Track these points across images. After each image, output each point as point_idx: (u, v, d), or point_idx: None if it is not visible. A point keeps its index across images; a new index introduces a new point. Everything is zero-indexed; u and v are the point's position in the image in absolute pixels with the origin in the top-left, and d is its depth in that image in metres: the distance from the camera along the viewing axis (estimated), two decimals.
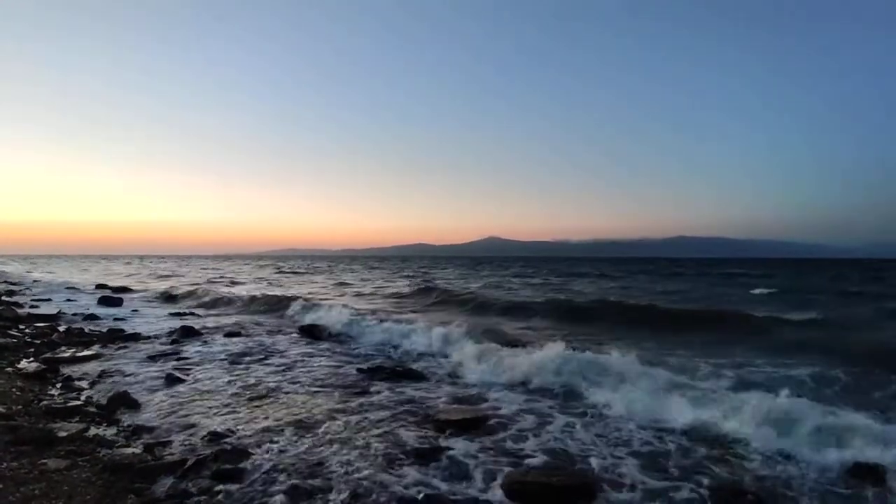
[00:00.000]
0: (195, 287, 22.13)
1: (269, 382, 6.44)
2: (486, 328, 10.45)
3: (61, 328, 10.37)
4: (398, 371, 6.95)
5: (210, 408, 5.29)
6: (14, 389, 5.63)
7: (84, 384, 6.18)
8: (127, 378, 6.54)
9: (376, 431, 4.66)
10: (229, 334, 10.37)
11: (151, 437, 4.37)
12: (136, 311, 14.94)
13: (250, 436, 4.45)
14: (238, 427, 4.66)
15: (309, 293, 21.03)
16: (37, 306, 15.12)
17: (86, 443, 4.15)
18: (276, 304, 15.59)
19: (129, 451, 4.03)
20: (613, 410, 5.16)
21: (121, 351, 8.41)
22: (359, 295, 22.21)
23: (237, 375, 6.82)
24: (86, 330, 10.35)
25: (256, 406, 5.39)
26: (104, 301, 16.45)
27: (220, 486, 3.47)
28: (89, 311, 13.67)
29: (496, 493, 3.47)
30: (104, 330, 10.48)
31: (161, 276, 35.08)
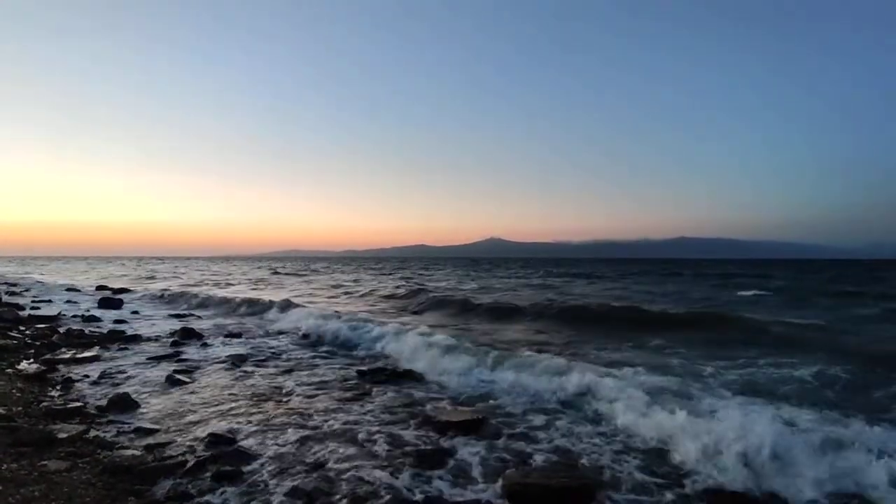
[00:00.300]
0: (185, 289, 22.03)
1: (269, 384, 6.45)
2: (461, 331, 10.60)
3: (62, 329, 10.37)
4: (398, 373, 6.95)
5: (210, 409, 5.29)
6: (14, 391, 5.63)
7: (84, 385, 6.18)
8: (127, 379, 6.54)
9: (377, 433, 4.66)
10: (229, 336, 10.38)
11: (152, 439, 4.37)
12: (136, 312, 14.94)
13: (251, 437, 4.45)
14: (238, 428, 4.66)
15: (296, 295, 20.93)
16: (37, 307, 15.13)
17: (86, 444, 4.15)
18: (257, 307, 15.49)
19: (130, 452, 4.02)
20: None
21: (121, 352, 8.41)
22: (347, 296, 22.09)
23: (237, 377, 6.83)
24: (86, 331, 10.35)
25: (257, 408, 5.38)
26: (104, 302, 16.45)
27: (221, 488, 3.47)
28: (89, 313, 13.68)
29: (497, 494, 3.47)
30: (104, 331, 10.49)
31: (154, 278, 34.94)
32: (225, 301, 17.48)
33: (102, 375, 6.62)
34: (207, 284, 28.78)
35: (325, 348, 9.26)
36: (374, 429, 4.77)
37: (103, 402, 5.32)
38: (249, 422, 4.88)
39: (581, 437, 4.55)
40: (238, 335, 10.47)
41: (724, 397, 5.36)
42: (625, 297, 19.36)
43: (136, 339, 9.72)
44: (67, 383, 6.18)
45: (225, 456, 3.92)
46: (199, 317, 14.17)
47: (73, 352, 8.17)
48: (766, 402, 5.04)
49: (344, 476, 3.72)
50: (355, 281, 33.07)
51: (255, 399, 5.73)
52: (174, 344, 9.27)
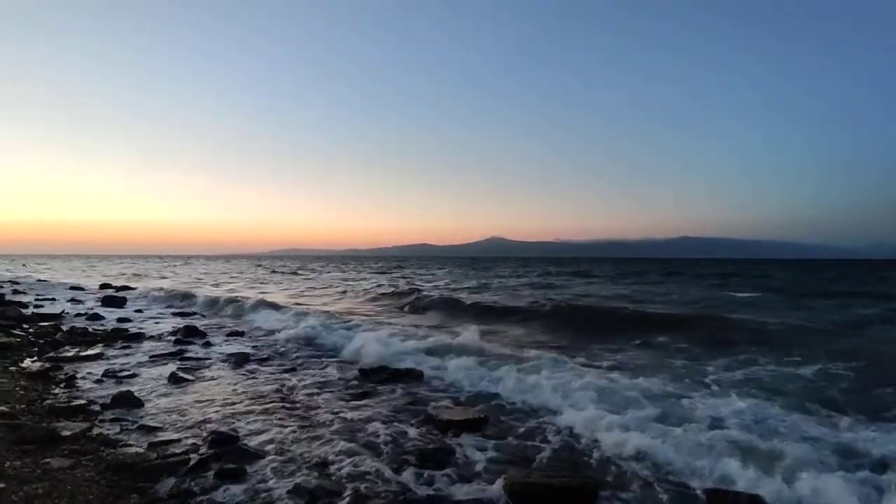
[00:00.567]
0: (171, 290, 21.81)
1: (272, 383, 6.47)
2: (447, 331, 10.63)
3: (65, 327, 10.40)
4: (399, 372, 6.95)
5: (213, 408, 5.31)
6: (18, 388, 5.66)
7: (88, 383, 6.20)
8: (131, 377, 6.56)
9: (379, 431, 4.67)
10: (232, 334, 10.40)
11: (155, 437, 4.38)
12: (139, 310, 14.98)
13: (254, 435, 4.46)
14: (242, 427, 4.67)
15: (288, 295, 20.81)
16: (41, 306, 15.19)
17: (89, 442, 4.17)
18: (239, 306, 15.16)
19: (133, 450, 4.04)
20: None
21: (124, 350, 8.44)
22: (340, 294, 21.96)
23: (241, 376, 6.85)
24: (89, 329, 10.38)
25: (260, 406, 5.40)
26: (108, 301, 16.50)
27: (224, 486, 3.48)
28: (93, 311, 13.73)
29: (498, 493, 3.47)
30: (108, 329, 10.53)
31: (145, 276, 34.84)
32: (211, 300, 16.96)
33: (106, 373, 6.64)
34: (201, 284, 28.60)
35: (310, 349, 9.04)
36: (377, 427, 4.78)
37: (107, 400, 5.34)
38: (252, 420, 4.90)
39: (580, 438, 4.55)
40: (241, 334, 10.50)
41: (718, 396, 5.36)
42: (618, 297, 19.10)
43: (140, 337, 9.76)
44: (71, 381, 6.21)
45: (228, 454, 3.93)
46: (204, 315, 14.21)
47: (77, 350, 8.21)
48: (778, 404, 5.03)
49: (346, 474, 3.73)
50: (348, 280, 33.06)
51: (257, 397, 5.74)
52: (177, 342, 9.29)
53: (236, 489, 3.45)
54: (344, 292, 22.92)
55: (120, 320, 12.36)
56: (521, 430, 4.77)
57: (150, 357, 7.88)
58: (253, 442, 4.30)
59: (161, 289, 21.83)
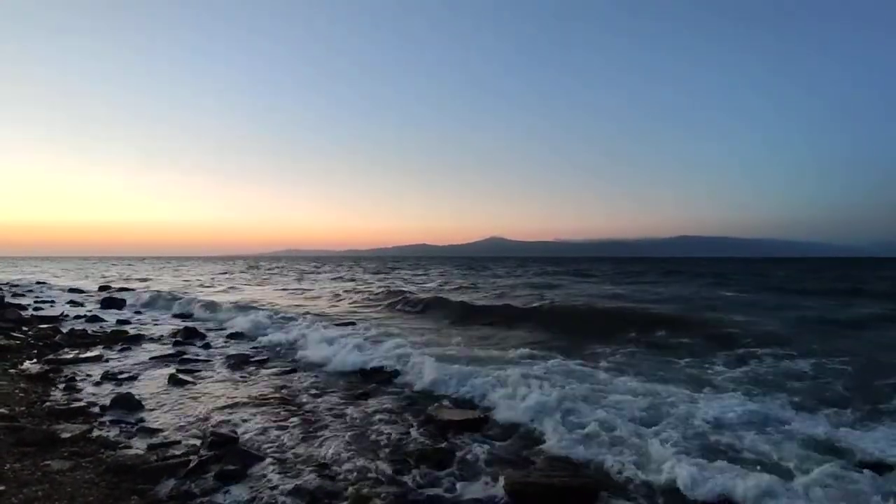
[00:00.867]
0: (169, 292, 21.64)
1: (271, 384, 6.47)
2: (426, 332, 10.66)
3: (64, 330, 10.39)
4: (399, 372, 6.95)
5: (213, 409, 5.30)
6: (18, 391, 5.66)
7: (87, 385, 6.19)
8: (130, 379, 6.56)
9: (379, 431, 4.67)
10: (232, 336, 10.40)
11: (155, 439, 4.38)
12: (139, 312, 14.97)
13: (254, 437, 4.46)
14: (242, 428, 4.67)
15: (275, 296, 20.68)
16: (40, 308, 15.19)
17: (89, 444, 4.17)
18: (212, 309, 14.98)
19: (133, 452, 4.04)
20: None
21: (124, 352, 8.44)
22: (330, 295, 21.61)
23: (240, 377, 6.85)
24: (89, 331, 10.37)
25: (259, 407, 5.39)
26: (107, 303, 16.49)
27: (224, 487, 3.48)
28: (92, 313, 13.72)
29: (498, 493, 3.47)
30: (107, 331, 10.52)
31: (142, 279, 34.67)
32: (207, 304, 16.34)
33: (105, 375, 6.64)
34: (198, 286, 28.27)
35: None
36: (376, 428, 4.78)
37: (106, 402, 5.33)
38: (252, 421, 4.89)
39: (578, 440, 4.54)
40: (241, 335, 10.49)
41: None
42: (612, 297, 18.36)
43: (139, 339, 9.75)
44: (70, 383, 6.20)
45: (228, 455, 3.93)
46: (198, 318, 14.18)
47: (76, 352, 8.20)
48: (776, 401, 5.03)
49: (347, 475, 3.73)
50: (341, 280, 33.00)
51: (257, 399, 5.74)
52: (177, 344, 9.29)
53: (237, 491, 3.45)
54: (334, 294, 22.45)
55: (119, 322, 12.35)
56: (521, 430, 4.76)
57: (149, 359, 7.87)
58: (253, 443, 4.30)
59: (159, 291, 21.78)
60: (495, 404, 5.35)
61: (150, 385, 6.28)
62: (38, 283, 27.66)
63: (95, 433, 4.45)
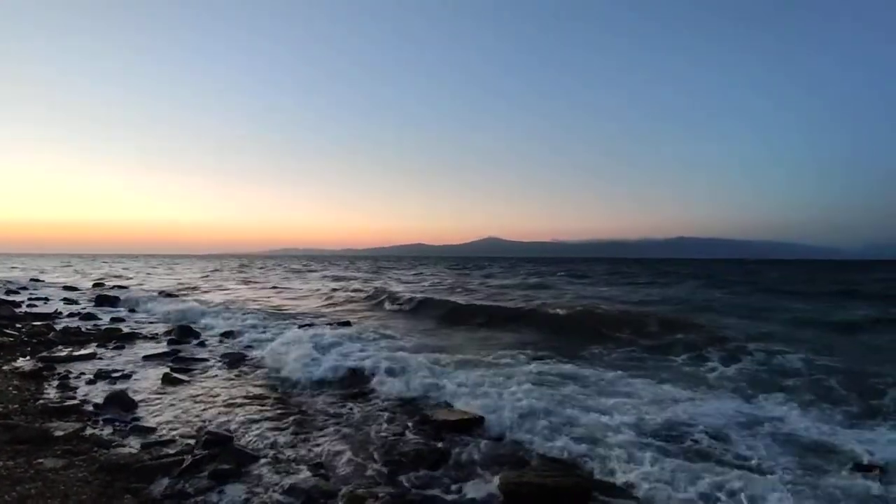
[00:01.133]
0: (165, 290, 21.59)
1: (266, 383, 6.46)
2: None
3: (58, 327, 10.34)
4: (405, 368, 6.95)
5: (208, 408, 5.29)
6: (10, 388, 5.63)
7: (81, 383, 6.17)
8: (124, 378, 6.53)
9: (374, 432, 4.68)
10: (226, 334, 10.36)
11: (148, 437, 4.37)
12: (133, 310, 14.90)
13: (248, 436, 4.46)
14: (236, 427, 4.66)
15: (253, 296, 20.61)
16: (34, 305, 15.09)
17: (82, 442, 4.16)
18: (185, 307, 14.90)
19: (126, 450, 4.03)
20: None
21: (118, 350, 8.39)
22: (302, 296, 21.10)
23: (235, 376, 6.84)
24: (83, 329, 10.33)
25: (254, 406, 5.39)
26: (101, 300, 16.39)
27: (219, 487, 3.48)
28: (86, 311, 13.64)
29: (493, 493, 3.48)
30: (101, 329, 10.47)
31: (137, 277, 34.51)
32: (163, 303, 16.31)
33: (99, 373, 6.61)
34: (192, 284, 28.14)
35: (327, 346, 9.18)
36: (371, 428, 4.79)
37: (100, 400, 5.31)
38: (247, 420, 4.88)
39: (569, 441, 4.55)
40: (236, 334, 10.46)
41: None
42: (601, 298, 17.81)
43: (133, 337, 9.70)
44: (64, 381, 6.17)
45: (223, 454, 3.92)
46: (199, 317, 14.12)
47: (70, 349, 8.16)
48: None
49: (342, 475, 3.74)
50: (322, 278, 32.94)
51: (252, 397, 5.73)
52: (171, 342, 9.26)
53: (231, 490, 3.45)
54: (318, 291, 22.24)
55: (113, 320, 12.28)
56: (516, 430, 4.76)
57: (143, 357, 7.84)
58: (248, 442, 4.30)
59: (155, 290, 21.71)
60: (487, 405, 5.32)
61: (145, 383, 6.26)
62: (33, 280, 27.48)
63: (89, 431, 4.44)
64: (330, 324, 11.89)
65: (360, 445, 4.34)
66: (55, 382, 6.11)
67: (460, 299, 17.06)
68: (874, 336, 10.08)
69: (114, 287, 22.54)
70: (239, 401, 5.59)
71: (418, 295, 17.68)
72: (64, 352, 7.93)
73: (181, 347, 8.80)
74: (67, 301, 16.95)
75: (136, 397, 5.52)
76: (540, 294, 20.01)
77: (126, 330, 10.43)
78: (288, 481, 3.57)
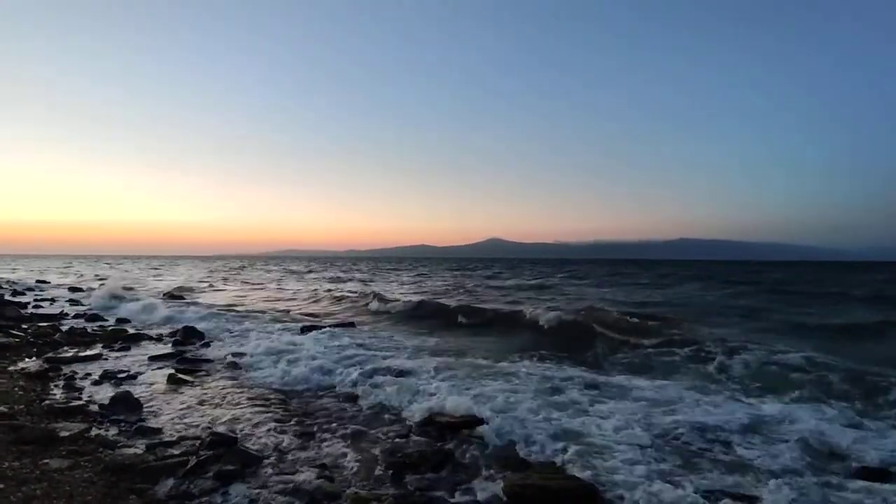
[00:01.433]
0: (169, 291, 21.64)
1: (271, 384, 6.46)
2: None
3: (64, 328, 10.40)
4: (402, 372, 6.95)
5: (212, 409, 5.31)
6: (16, 389, 5.66)
7: (86, 384, 6.20)
8: (130, 378, 6.56)
9: (378, 433, 4.68)
10: (232, 336, 10.39)
11: (153, 438, 4.39)
12: (139, 311, 14.94)
13: (253, 437, 4.47)
14: (241, 428, 4.67)
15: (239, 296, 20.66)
16: (40, 306, 15.18)
17: (88, 443, 4.17)
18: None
19: (131, 451, 4.04)
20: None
21: (123, 351, 8.43)
22: (290, 298, 20.95)
23: (239, 377, 6.85)
24: (88, 330, 10.38)
25: (259, 407, 5.40)
26: (107, 301, 16.45)
27: (223, 488, 3.49)
28: (92, 311, 13.71)
29: (497, 495, 3.48)
30: (107, 330, 10.51)
31: (142, 278, 34.60)
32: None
33: (104, 374, 6.64)
34: (196, 285, 28.17)
35: (330, 346, 9.15)
36: (376, 429, 4.79)
37: (105, 401, 5.33)
38: (251, 421, 4.90)
39: (569, 442, 4.54)
40: (241, 335, 10.48)
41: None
42: (600, 300, 17.54)
43: (139, 337, 9.74)
44: (70, 382, 6.21)
45: (227, 455, 3.93)
46: (220, 315, 14.17)
47: (76, 350, 8.20)
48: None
49: (346, 476, 3.74)
50: (324, 280, 32.88)
51: (256, 399, 5.74)
52: (176, 343, 9.29)
53: (235, 491, 3.45)
54: (314, 292, 22.09)
55: (119, 321, 12.35)
56: (518, 434, 4.75)
57: (148, 358, 7.87)
58: (252, 444, 4.30)
59: (160, 291, 21.83)
60: (489, 407, 5.29)
61: (150, 384, 6.28)
62: (39, 281, 27.63)
63: (94, 432, 4.45)
64: (330, 326, 11.91)
65: (364, 447, 4.35)
66: (61, 383, 6.15)
67: (456, 302, 16.90)
68: (877, 337, 10.03)
69: (125, 288, 22.64)
70: (243, 402, 5.60)
71: (413, 298, 17.57)
72: (70, 352, 7.97)
73: (186, 348, 8.84)
74: (73, 302, 17.04)
75: (142, 398, 5.54)
76: (541, 295, 19.97)
77: (131, 331, 10.48)
78: (292, 482, 3.57)
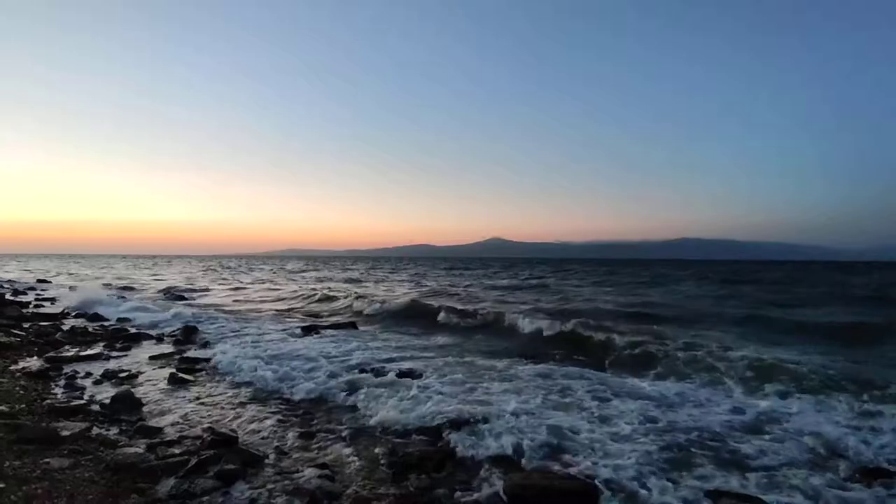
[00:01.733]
0: (168, 291, 21.64)
1: (272, 384, 6.45)
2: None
3: (65, 327, 10.41)
4: (402, 372, 6.95)
5: (213, 409, 5.31)
6: (18, 388, 5.67)
7: (87, 383, 6.21)
8: (131, 378, 6.56)
9: (379, 434, 4.68)
10: (233, 335, 10.40)
11: (155, 437, 4.39)
12: (139, 310, 14.95)
13: (254, 437, 4.47)
14: (242, 428, 4.67)
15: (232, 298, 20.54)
16: (41, 305, 15.19)
17: (89, 442, 4.18)
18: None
19: (132, 450, 4.04)
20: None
21: (124, 351, 8.44)
22: (281, 298, 20.78)
23: (241, 376, 6.84)
24: (89, 329, 10.39)
25: (260, 407, 5.40)
26: (108, 300, 16.47)
27: (224, 487, 3.48)
28: (93, 311, 13.72)
29: (498, 495, 3.47)
30: (108, 329, 10.53)
31: (142, 278, 34.63)
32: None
33: (105, 373, 6.65)
34: (196, 285, 28.12)
35: (330, 346, 9.17)
36: (376, 429, 4.78)
37: (106, 401, 5.34)
38: (252, 421, 4.90)
39: (567, 444, 4.55)
40: (242, 335, 10.49)
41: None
42: (598, 300, 17.72)
43: (140, 337, 9.75)
44: (71, 381, 6.22)
45: (228, 455, 3.93)
46: (206, 318, 14.19)
47: (77, 349, 8.21)
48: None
49: (346, 476, 3.74)
50: (312, 278, 32.84)
51: (257, 398, 5.75)
52: (177, 343, 9.30)
53: (236, 490, 3.45)
54: (312, 290, 21.97)
55: (120, 320, 12.36)
56: (516, 435, 4.75)
57: (149, 357, 7.88)
58: (253, 443, 4.31)
59: (159, 290, 21.88)
60: (490, 408, 5.28)
61: (151, 384, 6.29)
62: (40, 281, 27.66)
63: (95, 431, 4.46)
64: (330, 326, 11.91)
65: (365, 447, 4.34)
66: (62, 382, 6.16)
67: (453, 302, 16.73)
68: (877, 337, 10.00)
69: (122, 288, 22.68)
70: (244, 402, 5.61)
71: (408, 298, 17.38)
72: (71, 352, 7.98)
73: (186, 348, 8.84)
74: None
75: (143, 397, 5.55)
76: (542, 296, 19.92)
77: (133, 330, 10.49)
78: (293, 482, 3.57)
